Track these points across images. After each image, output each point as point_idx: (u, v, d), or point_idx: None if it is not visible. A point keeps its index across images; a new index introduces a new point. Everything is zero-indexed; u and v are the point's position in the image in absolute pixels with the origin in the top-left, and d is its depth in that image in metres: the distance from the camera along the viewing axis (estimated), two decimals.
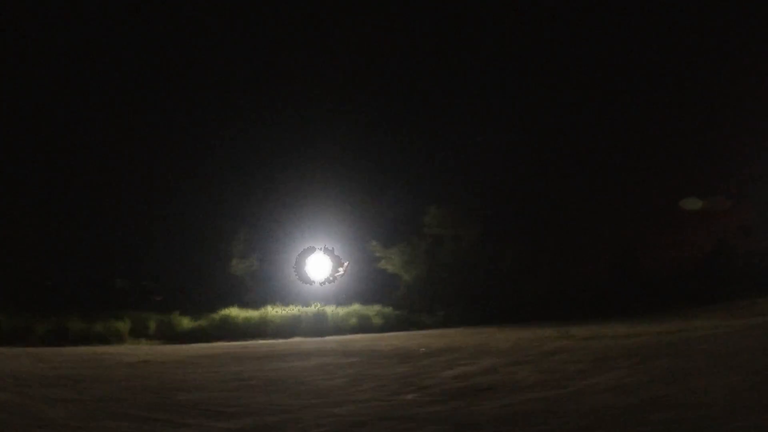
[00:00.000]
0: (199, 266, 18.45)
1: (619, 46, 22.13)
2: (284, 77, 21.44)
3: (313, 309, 17.05)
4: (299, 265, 19.40)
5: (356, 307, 17.57)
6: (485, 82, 22.41)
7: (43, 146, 19.73)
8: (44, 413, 4.56)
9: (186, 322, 15.57)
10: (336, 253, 19.50)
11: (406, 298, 18.42)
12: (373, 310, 17.63)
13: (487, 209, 18.47)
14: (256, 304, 17.31)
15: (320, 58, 21.91)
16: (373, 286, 19.32)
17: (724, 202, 21.46)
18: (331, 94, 21.31)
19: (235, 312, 16.12)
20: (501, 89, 22.25)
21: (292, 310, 16.91)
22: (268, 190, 19.56)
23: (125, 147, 19.71)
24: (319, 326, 16.38)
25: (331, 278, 19.39)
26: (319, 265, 19.49)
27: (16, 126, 19.12)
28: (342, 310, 17.45)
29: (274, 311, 16.65)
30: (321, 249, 19.39)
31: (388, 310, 17.55)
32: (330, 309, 17.40)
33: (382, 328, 17.02)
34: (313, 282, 19.26)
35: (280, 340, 14.85)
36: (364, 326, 17.14)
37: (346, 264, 19.51)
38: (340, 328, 16.84)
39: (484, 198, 18.95)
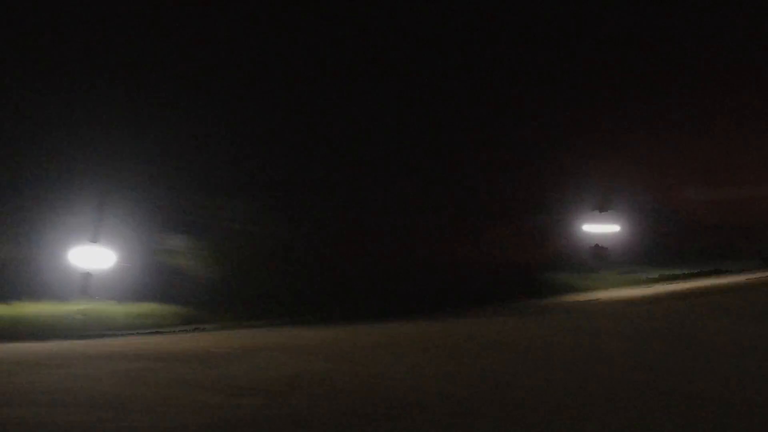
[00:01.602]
0: None
1: None
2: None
3: (82, 306, 15.39)
4: (65, 255, 17.13)
5: (135, 305, 16.44)
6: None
7: None
8: None
9: None
10: (113, 243, 17.79)
11: (189, 296, 17.93)
12: (149, 307, 16.72)
13: (285, 202, 19.17)
14: (5, 299, 14.78)
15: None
16: (153, 281, 18.23)
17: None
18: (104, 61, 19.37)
19: None
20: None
21: (57, 307, 14.97)
22: (23, 167, 16.86)
23: None
24: (90, 325, 14.90)
25: (104, 271, 17.62)
26: (91, 255, 17.52)
27: None
28: (117, 308, 16.13)
29: (32, 308, 14.50)
30: (94, 237, 17.47)
31: (170, 308, 16.88)
32: (102, 306, 15.93)
33: (162, 328, 16.30)
34: (85, 274, 17.24)
35: (43, 343, 13.07)
36: (141, 325, 16.16)
37: (115, 255, 17.95)
38: (113, 327, 15.58)
39: (283, 191, 19.53)
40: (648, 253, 33.14)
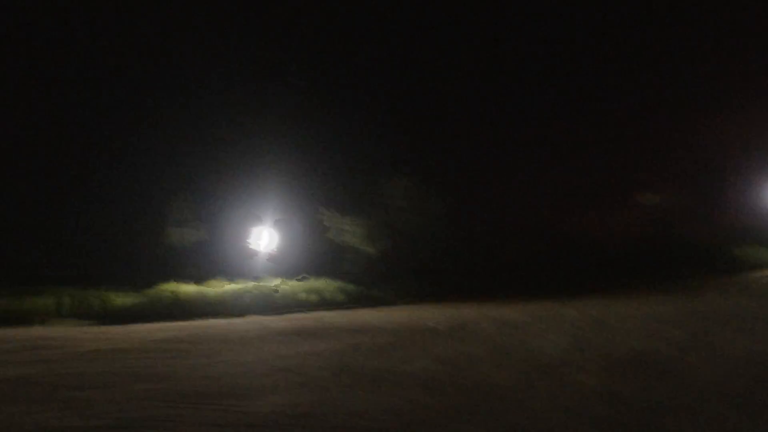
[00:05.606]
0: (125, 234, 15.82)
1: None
2: (233, 34, 18.77)
3: (268, 284, 15.43)
4: (244, 236, 17.48)
5: (313, 282, 16.23)
6: (453, 42, 21.03)
7: None
8: None
9: (119, 300, 13.22)
10: (285, 222, 17.82)
11: (363, 273, 17.39)
12: (327, 284, 16.40)
13: (456, 180, 17.88)
14: (196, 279, 15.26)
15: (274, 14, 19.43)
16: (323, 258, 17.97)
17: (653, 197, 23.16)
18: (282, 51, 19.19)
19: (179, 287, 14.03)
20: (469, 53, 20.99)
21: (244, 285, 15.15)
22: (211, 151, 17.27)
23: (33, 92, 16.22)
24: (272, 302, 14.87)
25: (276, 250, 17.73)
26: (265, 236, 17.72)
27: None
28: (295, 285, 16.03)
29: (223, 287, 14.78)
30: (268, 218, 17.60)
31: (349, 285, 16.45)
32: (280, 283, 15.90)
33: (339, 305, 15.91)
34: (259, 254, 17.49)
35: (239, 319, 13.17)
36: (320, 302, 15.89)
37: (284, 235, 17.86)
38: (293, 304, 15.46)
39: (453, 168, 18.31)
40: None
